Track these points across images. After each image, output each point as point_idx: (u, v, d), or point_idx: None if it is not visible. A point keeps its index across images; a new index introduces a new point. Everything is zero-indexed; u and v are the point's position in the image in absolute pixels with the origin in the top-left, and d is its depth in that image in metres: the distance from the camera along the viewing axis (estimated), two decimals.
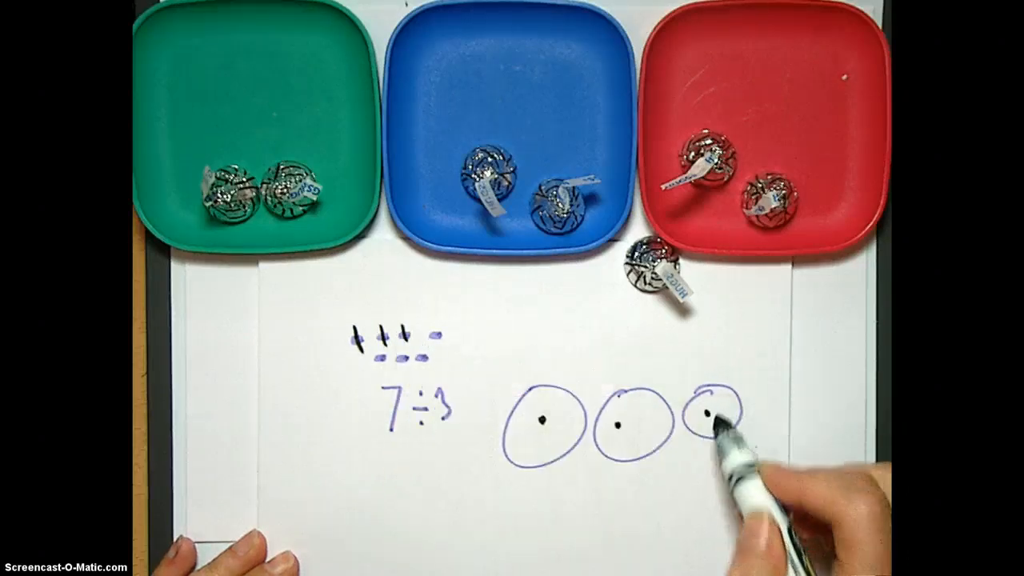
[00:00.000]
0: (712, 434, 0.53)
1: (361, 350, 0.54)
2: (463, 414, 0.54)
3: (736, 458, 0.49)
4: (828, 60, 0.53)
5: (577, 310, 0.54)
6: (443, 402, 0.54)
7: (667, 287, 0.52)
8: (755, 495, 0.47)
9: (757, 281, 0.54)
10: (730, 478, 0.49)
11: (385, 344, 0.54)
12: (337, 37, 0.53)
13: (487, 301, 0.54)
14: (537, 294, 0.54)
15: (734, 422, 0.54)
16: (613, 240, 0.54)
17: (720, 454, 0.51)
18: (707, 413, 0.54)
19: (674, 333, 0.54)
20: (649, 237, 0.54)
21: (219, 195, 0.52)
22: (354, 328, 0.54)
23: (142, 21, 0.52)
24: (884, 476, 0.47)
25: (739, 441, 0.51)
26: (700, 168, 0.50)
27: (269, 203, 0.53)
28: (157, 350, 0.54)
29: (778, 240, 0.54)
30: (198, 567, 0.53)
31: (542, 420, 0.54)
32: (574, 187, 0.52)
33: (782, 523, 0.46)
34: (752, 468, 0.48)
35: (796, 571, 0.45)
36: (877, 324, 0.55)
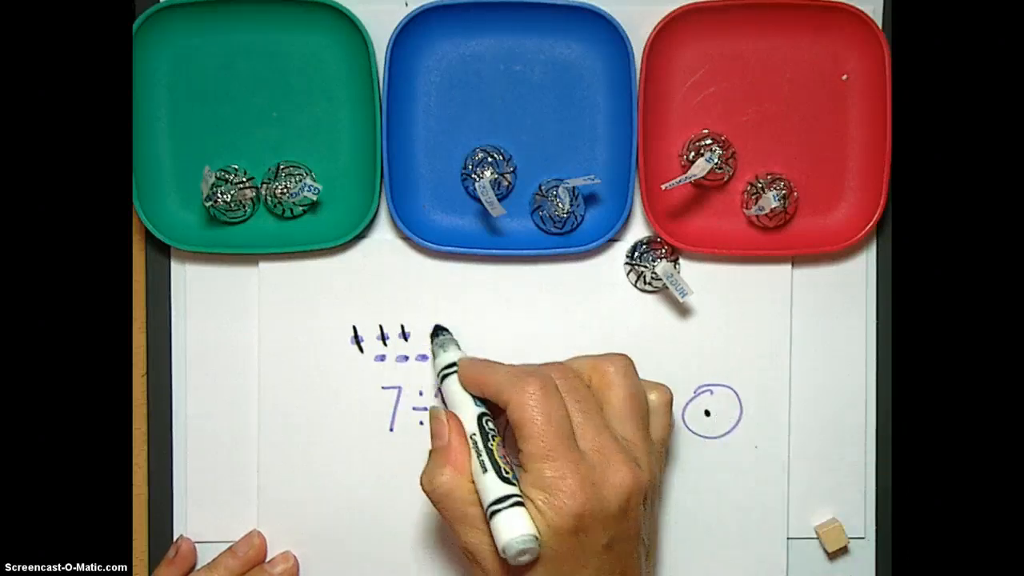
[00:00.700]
0: (429, 342, 0.53)
1: (361, 350, 0.54)
2: None
3: (443, 359, 0.50)
4: (828, 60, 0.53)
5: (577, 310, 0.54)
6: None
7: (667, 287, 0.52)
8: (451, 389, 0.48)
9: (757, 281, 0.54)
10: (439, 378, 0.50)
11: (385, 344, 0.54)
12: (337, 37, 0.53)
13: (487, 301, 0.54)
14: (537, 294, 0.54)
15: (735, 420, 0.54)
16: (613, 240, 0.54)
17: (432, 358, 0.52)
18: (707, 413, 0.54)
19: (674, 333, 0.54)
20: (649, 237, 0.54)
21: (219, 195, 0.52)
22: (354, 328, 0.54)
23: (142, 21, 0.52)
24: (593, 365, 0.47)
25: (446, 344, 0.51)
26: (700, 168, 0.50)
27: (269, 203, 0.53)
28: (157, 350, 0.54)
29: (778, 240, 0.54)
30: (198, 567, 0.53)
31: None
32: (574, 187, 0.52)
33: (471, 413, 0.47)
34: (455, 366, 0.49)
35: (480, 456, 0.45)
36: (877, 324, 0.55)
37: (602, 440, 0.43)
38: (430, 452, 0.46)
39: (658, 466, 0.46)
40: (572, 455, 0.42)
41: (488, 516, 0.43)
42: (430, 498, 0.45)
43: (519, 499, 0.42)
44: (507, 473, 0.44)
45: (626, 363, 0.47)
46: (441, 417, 0.47)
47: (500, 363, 0.48)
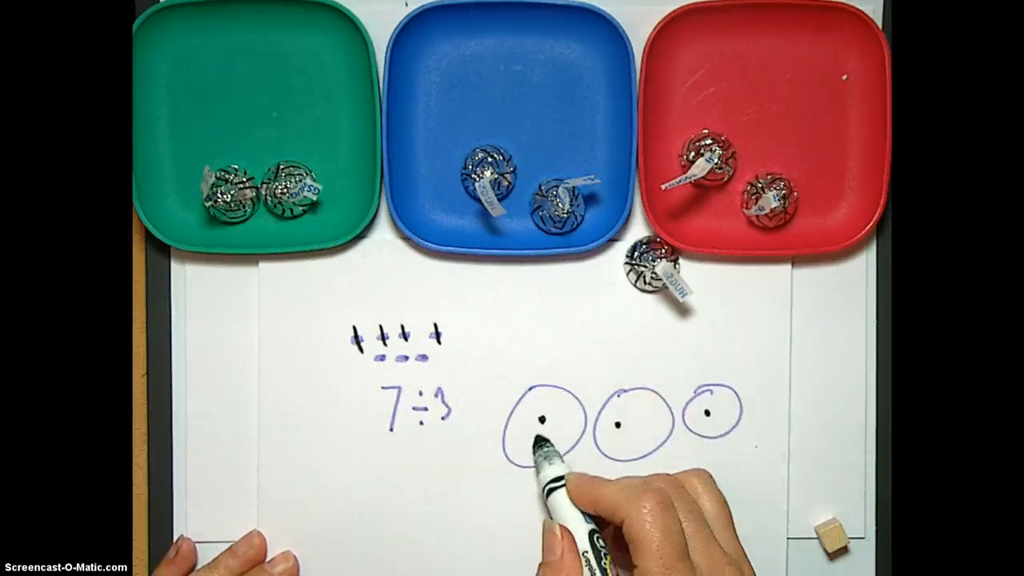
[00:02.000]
0: (532, 453, 0.54)
1: (361, 350, 0.54)
2: (463, 414, 0.54)
3: (547, 473, 0.51)
4: (828, 60, 0.53)
5: (577, 310, 0.54)
6: (443, 402, 0.54)
7: (667, 287, 0.52)
8: (560, 504, 0.49)
9: (757, 281, 0.54)
10: (544, 492, 0.51)
11: (385, 344, 0.54)
12: (337, 37, 0.53)
13: (487, 301, 0.54)
14: (537, 294, 0.54)
15: (735, 420, 0.54)
16: (613, 240, 0.54)
17: (536, 471, 0.53)
18: (707, 413, 0.54)
19: (674, 333, 0.54)
20: (649, 237, 0.54)
21: (219, 195, 0.52)
22: (354, 328, 0.54)
23: (142, 21, 0.52)
24: (683, 479, 0.48)
25: (551, 457, 0.52)
26: (700, 168, 0.50)
27: (269, 203, 0.53)
28: (157, 350, 0.54)
29: (778, 240, 0.54)
30: (198, 567, 0.53)
31: (542, 420, 0.54)
32: (574, 187, 0.52)
33: (582, 529, 0.47)
34: (562, 480, 0.50)
35: (594, 574, 0.46)
36: (877, 324, 0.55)
37: (714, 554, 0.44)
38: (541, 566, 0.47)
39: (753, 573, 0.47)
40: (688, 572, 0.43)
41: None
42: None
43: None
44: None
45: (709, 475, 0.49)
46: (555, 531, 0.47)
47: (609, 479, 0.48)
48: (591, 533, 0.47)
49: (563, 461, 0.52)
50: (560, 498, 0.49)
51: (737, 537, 0.47)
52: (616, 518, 0.45)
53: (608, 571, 0.46)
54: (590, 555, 0.46)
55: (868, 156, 0.53)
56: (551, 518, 0.49)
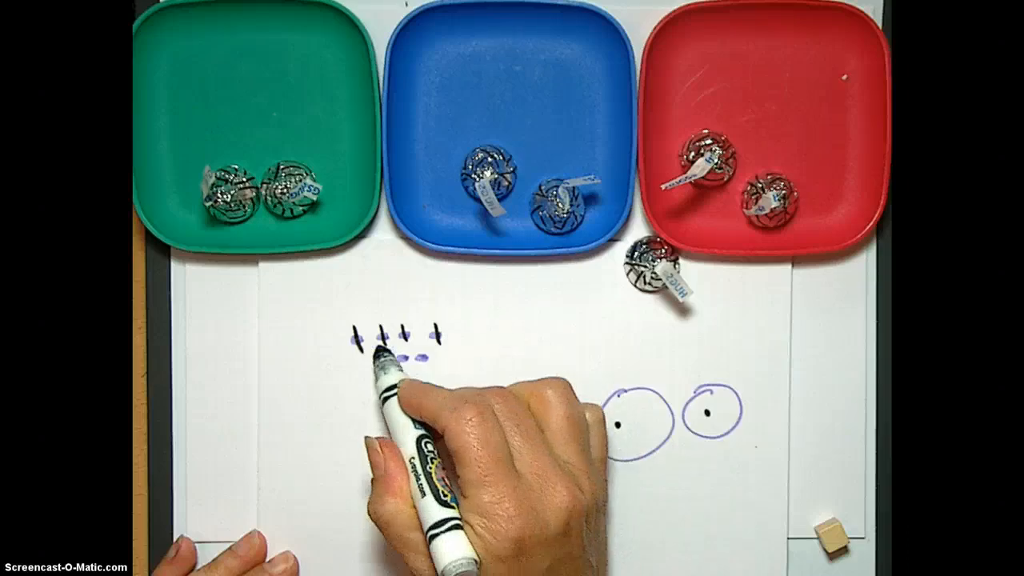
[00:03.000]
0: (373, 363, 0.53)
1: (361, 350, 0.54)
2: None
3: (383, 381, 0.50)
4: (828, 60, 0.53)
5: (577, 310, 0.54)
6: (385, 424, 0.54)
7: (667, 287, 0.52)
8: (391, 411, 0.49)
9: (757, 281, 0.54)
10: (380, 400, 0.50)
11: (385, 344, 0.54)
12: (337, 37, 0.53)
13: (487, 301, 0.54)
14: (537, 294, 0.54)
15: (735, 420, 0.54)
16: (613, 240, 0.54)
17: (374, 379, 0.52)
18: (707, 413, 0.54)
19: (674, 333, 0.54)
20: (649, 237, 0.54)
21: (219, 195, 0.52)
22: (354, 328, 0.54)
23: (142, 21, 0.52)
24: (531, 390, 0.47)
25: (387, 366, 0.51)
26: (700, 168, 0.50)
27: (269, 203, 0.53)
28: (157, 350, 0.54)
29: (778, 240, 0.54)
30: (198, 567, 0.53)
31: None
32: (574, 187, 0.52)
33: (410, 436, 0.47)
34: (396, 389, 0.49)
35: (419, 480, 0.45)
36: (877, 324, 0.55)
37: (541, 463, 0.43)
38: (372, 481, 0.47)
39: (600, 485, 0.46)
40: (510, 479, 0.42)
41: (427, 540, 0.43)
42: (376, 526, 0.46)
43: (458, 522, 0.42)
44: (446, 496, 0.44)
45: (564, 385, 0.48)
46: (375, 445, 0.47)
47: (439, 388, 0.48)
48: (419, 439, 0.47)
49: (400, 370, 0.51)
50: (392, 406, 0.49)
51: (584, 451, 0.46)
52: (438, 426, 0.45)
53: (433, 475, 0.45)
54: (416, 461, 0.46)
55: (868, 156, 0.53)
56: (387, 426, 0.49)
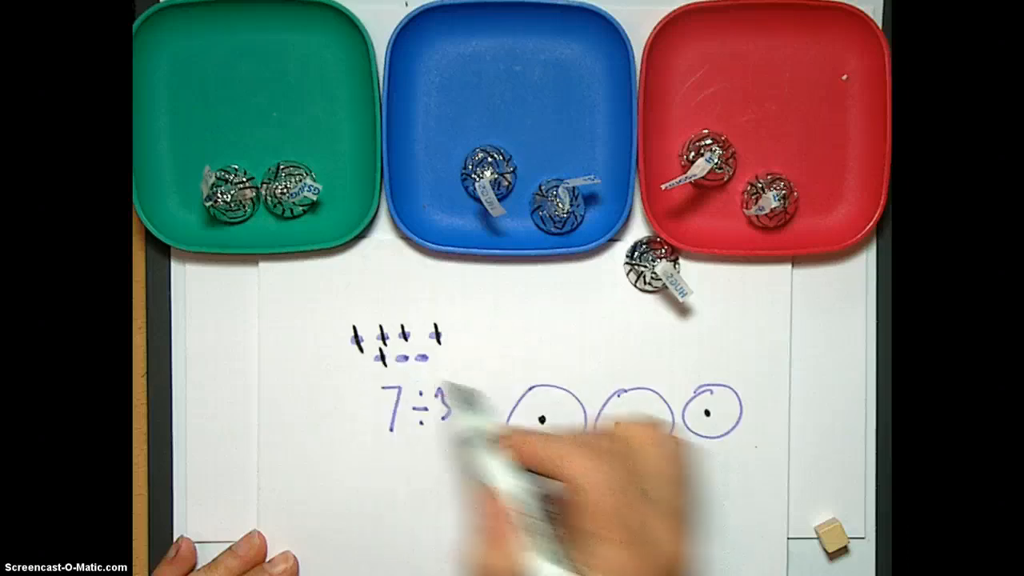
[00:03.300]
0: (453, 402, 0.51)
1: (361, 350, 0.54)
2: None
3: (474, 423, 0.47)
4: (828, 60, 0.53)
5: (577, 310, 0.54)
6: (443, 402, 0.54)
7: (667, 287, 0.52)
8: (491, 459, 0.46)
9: (757, 281, 0.54)
10: (466, 444, 0.47)
11: (385, 344, 0.54)
12: (337, 37, 0.53)
13: (487, 301, 0.54)
14: (537, 294, 0.54)
15: (735, 420, 0.54)
16: (613, 240, 0.54)
17: (460, 421, 0.48)
18: (707, 413, 0.54)
19: (674, 333, 0.54)
20: (649, 237, 0.54)
21: (219, 195, 0.52)
22: (354, 328, 0.54)
23: (142, 21, 0.52)
24: (631, 433, 0.46)
25: (478, 409, 0.48)
26: (700, 168, 0.50)
27: (269, 203, 0.53)
28: (157, 350, 0.54)
29: (778, 240, 0.54)
30: (198, 567, 0.53)
31: (542, 420, 0.54)
32: (574, 187, 0.52)
33: (513, 484, 0.45)
34: (484, 433, 0.47)
35: (528, 533, 0.44)
36: (877, 324, 0.55)
37: (644, 511, 0.43)
38: (477, 529, 0.45)
39: (690, 529, 0.46)
40: (624, 530, 0.42)
41: None
42: None
43: None
44: (555, 549, 0.43)
45: (659, 428, 0.47)
46: (486, 493, 0.45)
47: (548, 434, 0.46)
48: (526, 489, 0.45)
49: (490, 413, 0.49)
50: (493, 452, 0.46)
51: (682, 495, 0.45)
52: (551, 473, 0.44)
53: (542, 526, 0.44)
54: (524, 512, 0.44)
55: (868, 156, 0.53)
56: (478, 472, 0.47)
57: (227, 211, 0.53)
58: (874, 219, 0.52)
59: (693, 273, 0.54)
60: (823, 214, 0.54)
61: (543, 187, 0.53)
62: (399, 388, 0.54)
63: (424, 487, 0.54)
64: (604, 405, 0.54)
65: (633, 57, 0.52)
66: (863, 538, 0.55)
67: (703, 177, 0.51)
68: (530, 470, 0.46)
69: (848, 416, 0.55)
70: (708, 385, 0.54)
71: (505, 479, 0.46)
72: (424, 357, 0.54)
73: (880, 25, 0.53)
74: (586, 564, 0.42)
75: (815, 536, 0.54)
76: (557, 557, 0.43)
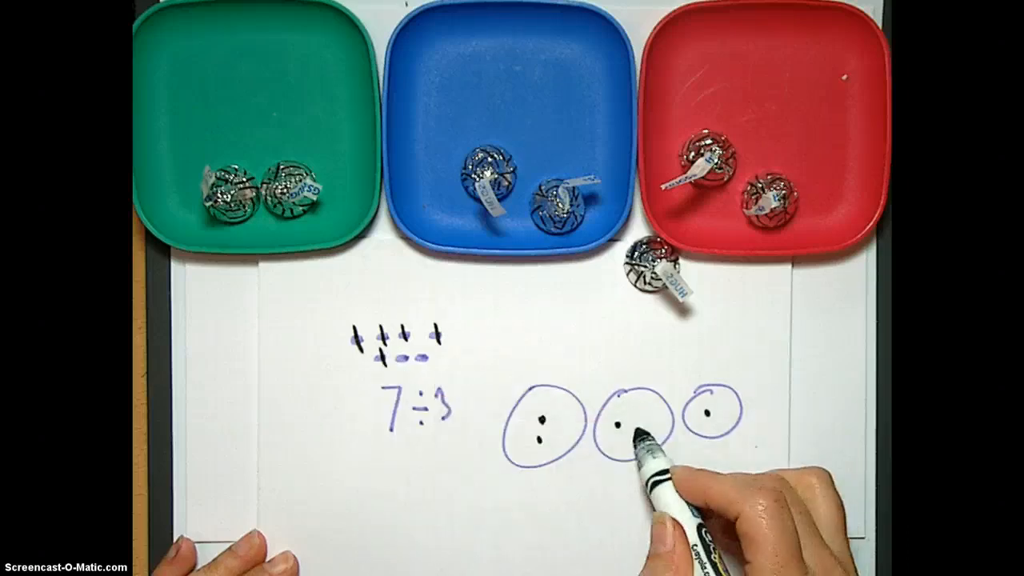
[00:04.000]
0: (632, 447, 0.54)
1: (361, 350, 0.54)
2: (463, 414, 0.54)
3: (651, 466, 0.50)
4: (828, 60, 0.53)
5: (577, 310, 0.54)
6: (443, 402, 0.54)
7: (667, 287, 0.52)
8: (666, 498, 0.49)
9: (757, 281, 0.54)
10: (647, 486, 0.50)
11: (385, 344, 0.54)
12: (337, 37, 0.53)
13: (487, 301, 0.54)
14: (537, 294, 0.54)
15: (735, 420, 0.54)
16: (613, 240, 0.54)
17: (638, 465, 0.53)
18: (707, 413, 0.54)
19: (674, 333, 0.54)
20: (649, 237, 0.54)
21: (219, 195, 0.52)
22: (354, 328, 0.54)
23: (142, 21, 0.52)
24: (798, 477, 0.48)
25: (654, 450, 0.52)
26: (700, 168, 0.50)
27: (269, 203, 0.53)
28: (157, 350, 0.54)
29: (778, 240, 0.54)
30: (198, 567, 0.53)
31: (542, 420, 0.54)
32: (574, 187, 0.52)
33: (690, 523, 0.47)
34: (666, 474, 0.49)
35: (704, 568, 0.46)
36: (877, 324, 0.55)
37: (824, 556, 0.44)
38: (651, 557, 0.47)
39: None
40: (801, 571, 0.43)
41: None
42: None
43: None
44: None
45: (828, 476, 0.49)
46: (667, 522, 0.47)
47: (719, 474, 0.47)
48: (699, 527, 0.47)
49: (665, 455, 0.52)
50: (667, 491, 0.49)
51: (848, 543, 0.47)
52: (729, 513, 0.45)
53: (719, 565, 0.45)
54: (699, 549, 0.46)
55: (868, 156, 0.53)
56: (656, 511, 0.49)
57: (227, 211, 0.53)
58: (874, 219, 0.52)
59: (693, 273, 0.54)
60: (823, 214, 0.54)
61: (543, 187, 0.53)
62: (399, 388, 0.54)
63: (424, 487, 0.54)
64: (604, 405, 0.54)
65: (633, 57, 0.52)
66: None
67: (703, 177, 0.51)
68: (696, 506, 0.48)
69: (848, 416, 0.55)
70: (708, 385, 0.54)
71: (682, 514, 0.48)
72: (424, 357, 0.54)
73: (880, 25, 0.53)
74: None
75: None
76: None
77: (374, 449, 0.54)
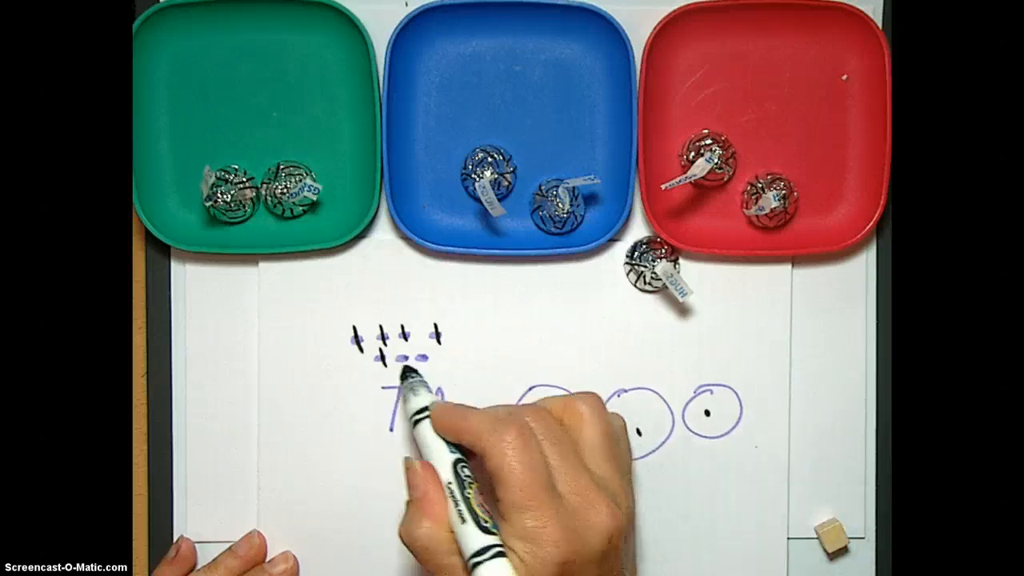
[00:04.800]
0: (399, 382, 0.53)
1: (361, 350, 0.54)
2: None
3: (413, 404, 0.49)
4: (828, 60, 0.53)
5: (577, 310, 0.54)
6: (416, 447, 0.54)
7: (667, 287, 0.52)
8: (425, 435, 0.47)
9: (757, 281, 0.54)
10: (410, 422, 0.49)
11: (385, 344, 0.54)
12: (337, 37, 0.53)
13: (487, 301, 0.54)
14: (537, 294, 0.54)
15: (735, 420, 0.54)
16: (613, 240, 0.54)
17: (402, 401, 0.51)
18: (707, 413, 0.54)
19: (674, 333, 0.54)
20: (649, 237, 0.54)
21: (219, 195, 0.52)
22: (354, 328, 0.54)
23: (142, 21, 0.52)
24: (564, 405, 0.46)
25: (416, 387, 0.50)
26: (700, 168, 0.50)
27: (269, 203, 0.53)
28: (157, 350, 0.54)
29: (778, 240, 0.54)
30: (198, 567, 0.53)
31: None
32: (574, 187, 0.52)
33: (446, 460, 0.46)
34: (427, 411, 0.48)
35: (457, 505, 0.44)
36: (877, 324, 0.55)
37: (581, 483, 0.43)
38: (407, 503, 0.46)
39: (632, 499, 0.46)
40: (552, 503, 0.41)
41: (470, 568, 0.42)
42: (410, 550, 0.44)
43: (500, 549, 0.42)
44: (486, 522, 0.43)
45: (597, 400, 0.47)
46: (416, 467, 0.46)
47: (474, 408, 0.46)
48: (455, 463, 0.45)
49: (430, 391, 0.50)
50: (425, 429, 0.47)
51: (621, 466, 0.45)
52: (477, 449, 0.44)
53: (472, 499, 0.44)
54: (454, 486, 0.44)
55: (868, 156, 0.53)
56: (418, 449, 0.48)
57: (227, 211, 0.53)
58: (874, 219, 0.52)
59: (693, 273, 0.54)
60: (823, 214, 0.54)
61: (543, 187, 0.53)
62: (399, 388, 0.54)
63: None
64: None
65: (633, 57, 0.52)
66: (863, 538, 0.55)
67: (703, 177, 0.51)
68: (451, 442, 0.46)
69: (848, 416, 0.55)
70: (708, 385, 0.54)
71: (438, 451, 0.46)
72: (424, 357, 0.54)
73: (880, 25, 0.53)
74: (513, 534, 0.41)
75: (815, 536, 0.54)
76: (484, 525, 0.43)
77: (374, 449, 0.54)
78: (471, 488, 0.44)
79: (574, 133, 0.54)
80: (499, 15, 0.52)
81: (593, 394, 0.47)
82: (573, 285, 0.54)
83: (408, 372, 0.52)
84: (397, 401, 0.54)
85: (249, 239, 0.54)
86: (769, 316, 0.54)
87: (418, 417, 0.48)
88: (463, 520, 0.43)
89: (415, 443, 0.48)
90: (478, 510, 0.43)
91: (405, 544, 0.44)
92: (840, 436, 0.54)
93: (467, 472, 0.45)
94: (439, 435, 0.47)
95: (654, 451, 0.54)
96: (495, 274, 0.54)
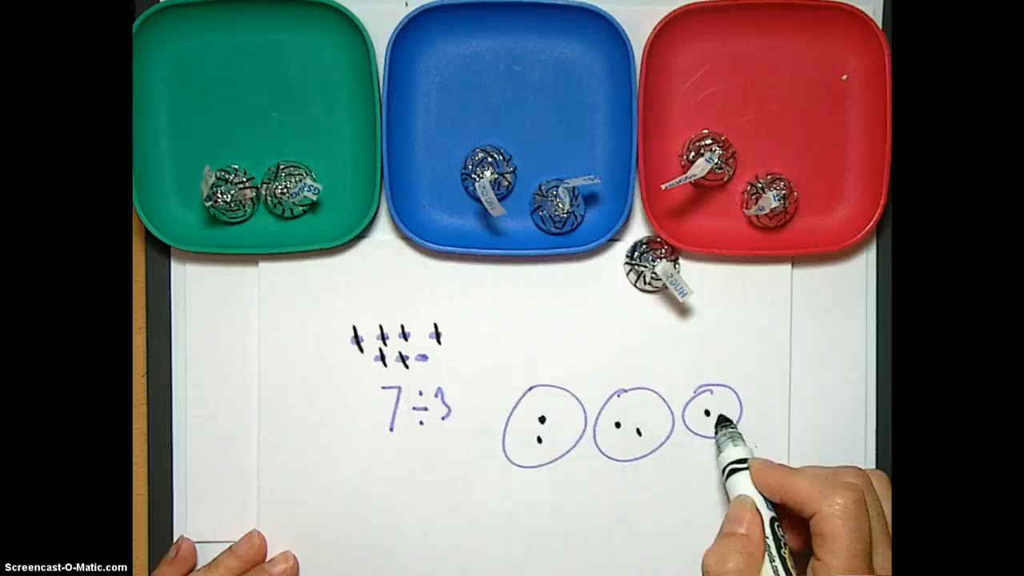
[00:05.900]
0: (713, 431, 0.54)
1: (361, 350, 0.54)
2: (463, 414, 0.54)
3: (730, 454, 0.50)
4: (828, 60, 0.53)
5: (577, 310, 0.54)
6: (443, 402, 0.54)
7: (667, 287, 0.52)
8: (741, 487, 0.49)
9: (757, 281, 0.54)
10: (723, 472, 0.50)
11: (385, 344, 0.54)
12: (337, 37, 0.53)
13: (487, 301, 0.54)
14: (537, 294, 0.54)
15: (735, 420, 0.54)
16: (613, 240, 0.54)
17: (717, 450, 0.52)
18: (707, 413, 0.54)
19: (674, 333, 0.54)
20: (649, 237, 0.54)
21: (219, 195, 0.52)
22: (354, 328, 0.54)
23: (142, 21, 0.52)
24: (877, 479, 0.48)
25: (735, 438, 0.52)
26: (700, 168, 0.50)
27: (269, 203, 0.53)
28: (157, 350, 0.54)
29: (778, 240, 0.54)
30: (198, 567, 0.53)
31: (542, 420, 0.54)
32: (574, 187, 0.52)
33: (765, 515, 0.47)
34: (744, 463, 0.49)
35: (773, 561, 0.46)
36: (877, 324, 0.55)
37: (888, 556, 0.44)
38: (724, 535, 0.46)
39: None
40: (871, 573, 0.43)
41: None
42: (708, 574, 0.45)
43: None
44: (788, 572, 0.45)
45: (888, 479, 0.48)
46: (748, 506, 0.47)
47: (798, 469, 0.47)
48: (772, 520, 0.47)
49: (746, 444, 0.52)
50: (742, 480, 0.48)
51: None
52: (805, 511, 0.45)
53: (788, 561, 0.45)
54: (770, 542, 0.46)
55: (868, 156, 0.53)
56: (727, 498, 0.49)
57: (227, 211, 0.53)
58: (874, 219, 0.52)
59: (693, 273, 0.54)
60: (823, 214, 0.54)
61: (543, 187, 0.53)
62: (399, 388, 0.54)
63: (424, 487, 0.54)
64: (604, 405, 0.54)
65: (633, 57, 0.52)
66: None
67: (703, 177, 0.51)
68: (772, 500, 0.48)
69: (848, 416, 0.55)
70: (708, 385, 0.54)
71: (757, 500, 0.48)
72: (424, 357, 0.54)
73: (880, 25, 0.53)
74: None
75: None
76: None
77: (374, 449, 0.54)
78: (786, 549, 0.46)
79: (574, 133, 0.54)
80: (499, 15, 0.52)
81: (883, 474, 0.49)
82: (573, 285, 0.54)
83: (724, 421, 0.53)
84: (397, 401, 0.54)
85: (249, 239, 0.54)
86: (769, 316, 0.54)
87: (735, 467, 0.49)
88: (770, 567, 0.45)
89: (727, 492, 0.50)
90: (792, 571, 0.45)
91: (706, 569, 0.45)
92: (840, 436, 0.55)
93: (781, 532, 0.47)
94: (757, 490, 0.48)
95: (654, 451, 0.54)
96: (495, 274, 0.54)
